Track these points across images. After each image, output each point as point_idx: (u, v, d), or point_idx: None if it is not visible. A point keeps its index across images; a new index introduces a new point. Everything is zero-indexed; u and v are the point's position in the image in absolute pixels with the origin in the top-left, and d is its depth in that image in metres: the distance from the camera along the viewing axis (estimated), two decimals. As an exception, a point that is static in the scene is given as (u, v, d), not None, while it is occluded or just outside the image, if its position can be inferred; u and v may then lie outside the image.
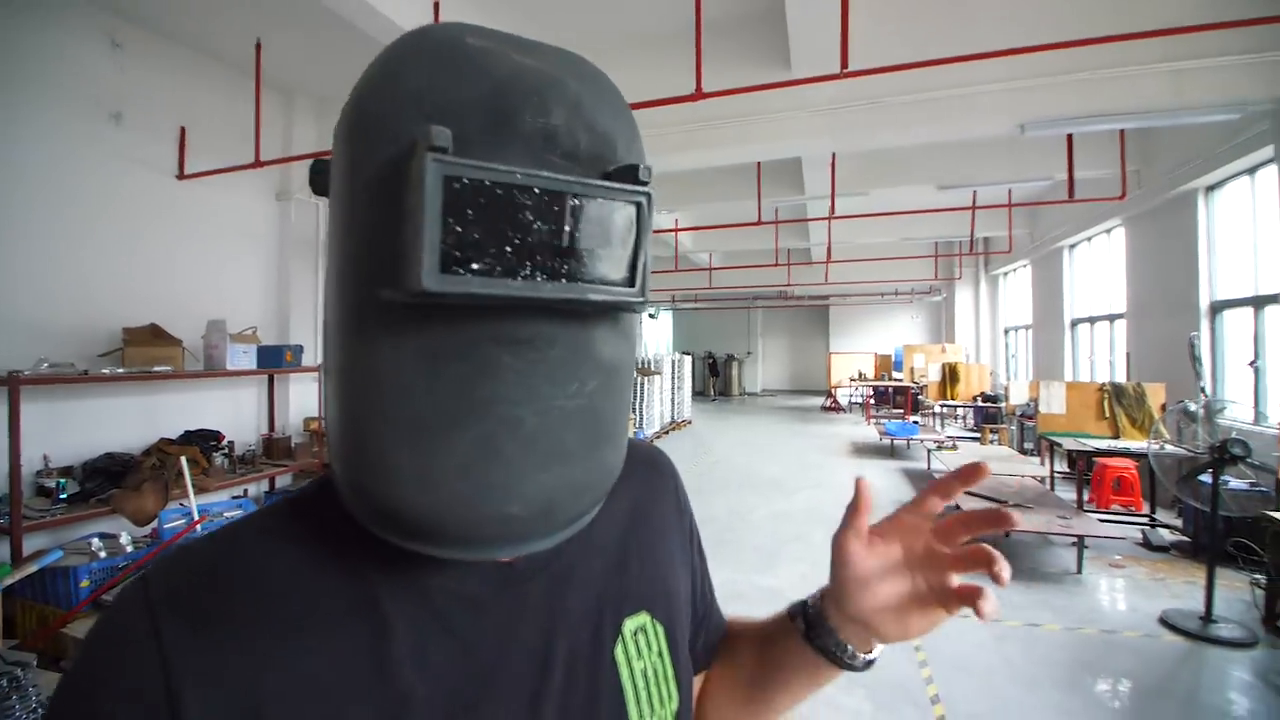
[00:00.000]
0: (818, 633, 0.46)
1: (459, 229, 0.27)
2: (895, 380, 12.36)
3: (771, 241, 8.91)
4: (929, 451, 6.92)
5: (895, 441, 8.47)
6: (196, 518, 2.80)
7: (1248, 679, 2.67)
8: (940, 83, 3.36)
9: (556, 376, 0.32)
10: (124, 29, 3.63)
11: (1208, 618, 3.08)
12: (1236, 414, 4.54)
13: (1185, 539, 4.39)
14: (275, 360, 4.04)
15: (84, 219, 3.43)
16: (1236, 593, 3.49)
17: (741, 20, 3.93)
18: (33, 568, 1.86)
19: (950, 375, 9.39)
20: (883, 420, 9.95)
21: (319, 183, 0.36)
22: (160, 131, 3.85)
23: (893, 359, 13.24)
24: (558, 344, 0.32)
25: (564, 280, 0.30)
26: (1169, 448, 4.06)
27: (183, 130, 3.95)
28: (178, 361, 3.46)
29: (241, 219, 4.45)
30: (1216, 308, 5.31)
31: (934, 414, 10.51)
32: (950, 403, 9.48)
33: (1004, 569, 0.37)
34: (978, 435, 8.54)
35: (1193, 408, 3.77)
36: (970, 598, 0.37)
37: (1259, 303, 4.82)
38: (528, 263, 0.29)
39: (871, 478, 5.34)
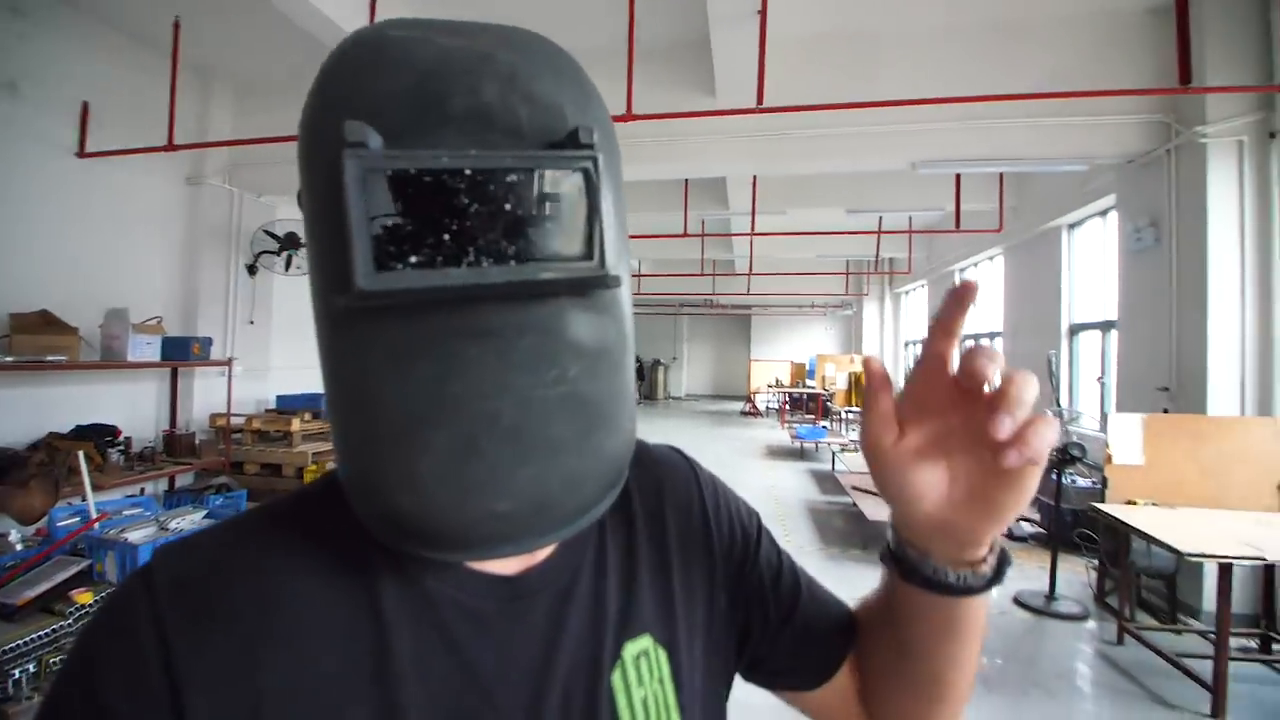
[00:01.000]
0: (910, 567, 0.39)
1: (391, 223, 0.27)
2: (808, 387, 13.10)
3: (698, 252, 9.27)
4: (834, 453, 7.46)
5: (805, 444, 9.02)
6: (95, 515, 2.67)
7: (1080, 645, 3.15)
8: (847, 121, 3.73)
9: (532, 365, 0.31)
10: (23, -7, 3.39)
11: (1050, 596, 3.59)
12: (1085, 423, 5.26)
13: (1041, 530, 5.04)
14: (181, 352, 3.87)
15: (-34, 194, 3.19)
16: (1079, 575, 4.06)
17: (673, 45, 4.17)
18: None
19: (856, 384, 10.10)
20: (795, 425, 10.55)
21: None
22: (60, 105, 3.62)
23: (807, 367, 14.01)
24: (527, 331, 0.30)
25: (513, 263, 0.28)
26: (1030, 451, 4.64)
27: (85, 105, 3.72)
28: (73, 351, 3.27)
29: (148, 203, 4.22)
30: (1074, 329, 6.09)
31: (841, 419, 11.24)
32: (855, 409, 10.19)
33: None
34: (879, 440, 9.23)
35: (1048, 415, 4.35)
36: (1024, 440, 0.30)
37: (1105, 326, 5.59)
38: (470, 249, 0.28)
39: (783, 478, 5.71)
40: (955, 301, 0.33)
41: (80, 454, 2.70)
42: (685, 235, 6.87)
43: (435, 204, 0.27)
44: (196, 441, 4.16)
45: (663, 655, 0.43)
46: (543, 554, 0.41)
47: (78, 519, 2.79)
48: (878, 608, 0.48)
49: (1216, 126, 3.32)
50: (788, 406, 13.08)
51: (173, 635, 0.31)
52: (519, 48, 0.33)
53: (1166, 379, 3.65)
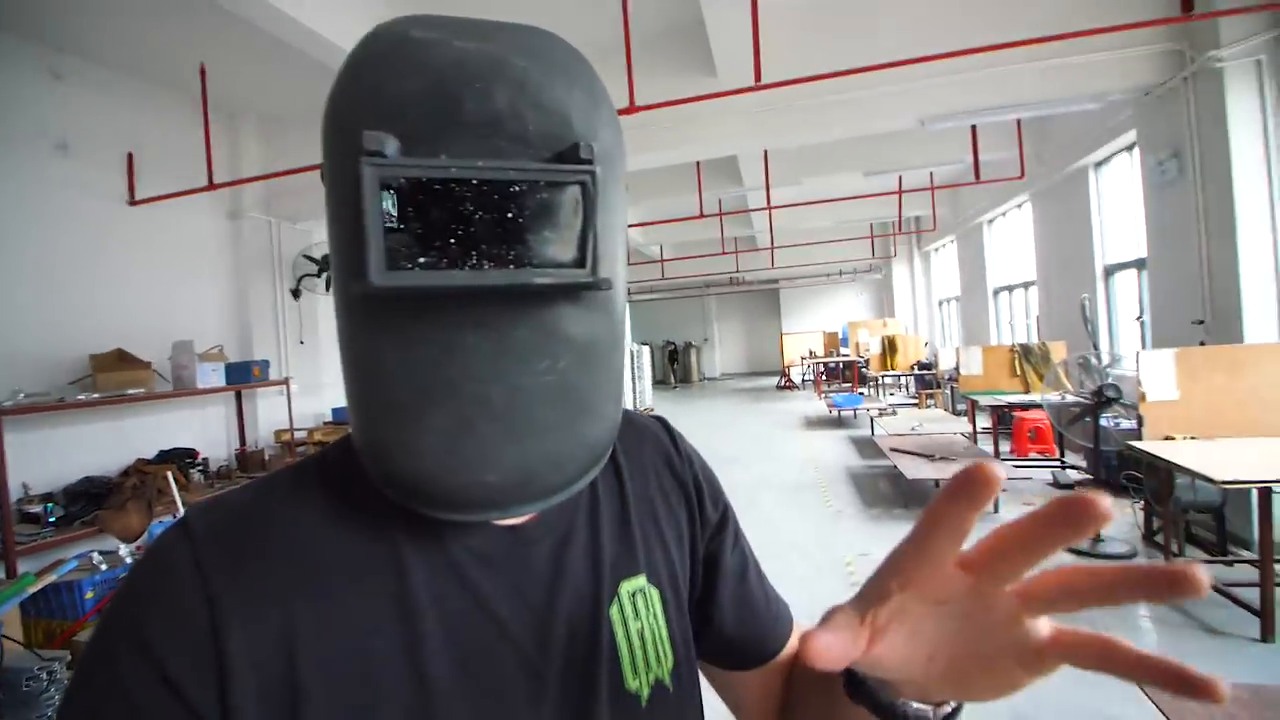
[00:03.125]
0: (864, 691, 0.34)
1: (402, 226, 0.30)
2: (843, 355, 13.00)
3: (718, 231, 9.27)
4: (872, 419, 7.46)
5: (842, 413, 9.02)
6: (187, 528, 2.96)
7: (1125, 585, 3.17)
8: (849, 85, 3.73)
9: (524, 355, 0.34)
10: (63, 60, 3.67)
11: (1097, 538, 3.60)
12: (1127, 365, 5.16)
13: (1088, 477, 4.98)
14: (243, 376, 4.16)
15: (39, 250, 3.50)
16: (1127, 517, 4.04)
17: (670, 29, 4.22)
18: (53, 576, 2.04)
19: (890, 347, 10.01)
20: (831, 395, 10.52)
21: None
22: (107, 159, 3.91)
23: (839, 336, 13.88)
24: (521, 325, 0.34)
25: (511, 266, 0.31)
26: (1069, 397, 4.61)
27: (130, 156, 4.01)
28: (148, 383, 3.57)
29: (196, 240, 4.53)
30: (1109, 270, 5.93)
31: (878, 384, 11.14)
32: (891, 373, 10.11)
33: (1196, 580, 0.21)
34: (916, 401, 9.18)
35: (1086, 360, 4.31)
36: (1095, 650, 0.24)
37: (1141, 265, 5.44)
38: (473, 252, 0.30)
39: (823, 447, 5.78)
40: (966, 496, 0.25)
41: (169, 475, 2.99)
42: (703, 216, 6.92)
43: (443, 209, 0.30)
44: (266, 456, 4.49)
45: (655, 594, 0.47)
46: None
47: (172, 533, 3.09)
48: (818, 678, 0.46)
49: (1231, 49, 3.23)
50: (824, 377, 13.00)
51: (211, 575, 0.34)
52: (533, 53, 0.34)
53: (1201, 312, 3.58)
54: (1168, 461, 2.77)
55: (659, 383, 15.93)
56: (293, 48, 3.35)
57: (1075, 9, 3.54)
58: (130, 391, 3.43)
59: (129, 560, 2.76)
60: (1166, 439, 3.06)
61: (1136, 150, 4.82)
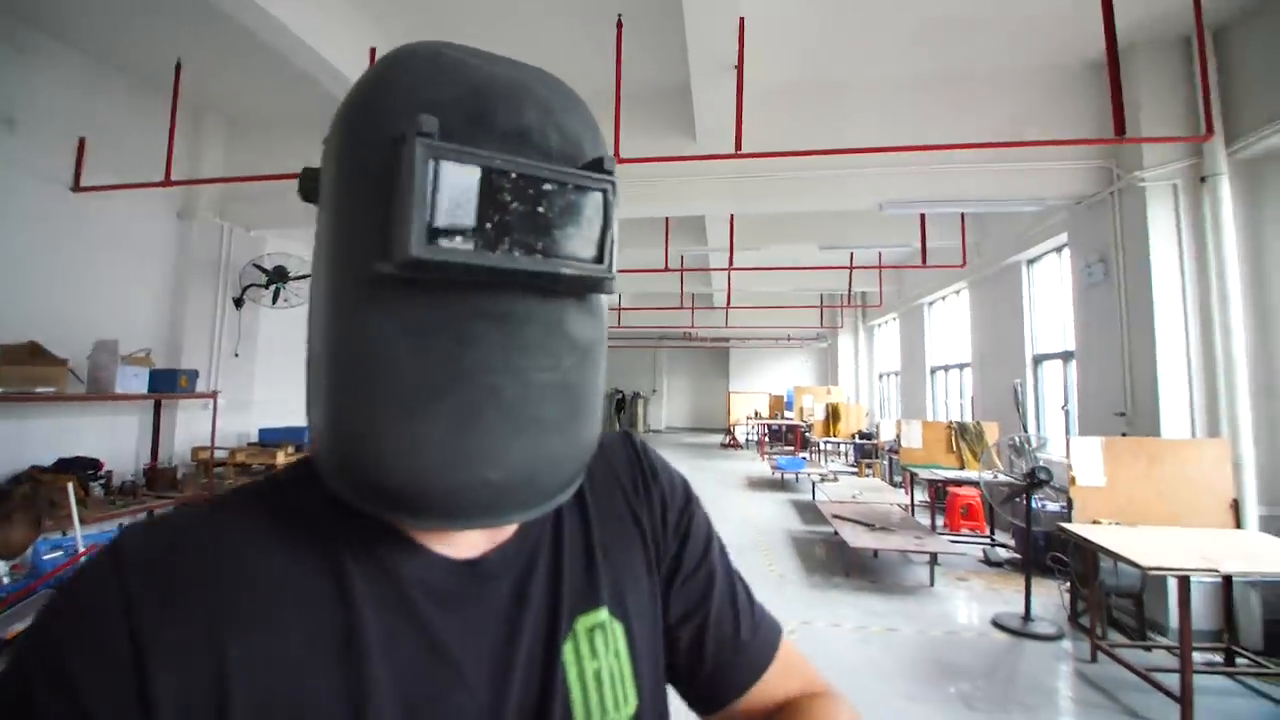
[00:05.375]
0: None
1: (444, 205, 0.31)
2: (787, 419, 13.28)
3: (677, 285, 9.49)
4: (814, 484, 7.58)
5: (785, 475, 9.14)
6: (82, 549, 2.65)
7: (1056, 664, 3.26)
8: (819, 164, 3.98)
9: (533, 350, 0.35)
10: (26, 33, 3.48)
11: (1026, 617, 3.70)
12: (1052, 449, 5.48)
13: (1017, 555, 5.18)
14: (169, 384, 3.86)
15: (-42, 228, 3.21)
16: (1053, 597, 4.19)
17: (655, 91, 4.41)
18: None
19: (833, 415, 10.31)
20: (775, 456, 10.67)
21: (309, 189, 0.38)
22: (57, 141, 3.68)
23: (785, 399, 14.23)
24: (533, 320, 0.35)
25: (539, 256, 0.33)
26: (1001, 476, 4.83)
27: (82, 141, 3.78)
28: (61, 383, 3.26)
29: (139, 236, 4.26)
30: (1038, 359, 6.37)
31: (820, 450, 11.41)
32: (833, 440, 10.39)
33: None
34: (855, 469, 9.42)
35: (1017, 441, 4.56)
36: None
37: (1067, 356, 5.87)
38: (506, 239, 0.32)
39: (764, 509, 5.82)
40: None
41: (69, 486, 2.69)
42: (666, 269, 7.08)
43: (483, 196, 0.31)
44: (179, 475, 4.11)
45: (619, 629, 0.44)
46: (503, 536, 0.42)
47: (61, 553, 2.76)
48: None
49: (1153, 172, 3.64)
50: (767, 438, 13.22)
51: (141, 608, 0.31)
52: (550, 85, 0.38)
53: (1122, 404, 3.88)
54: (1096, 545, 2.91)
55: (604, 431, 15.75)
56: (275, 53, 3.29)
57: (1025, 118, 3.93)
58: (39, 389, 3.11)
59: (5, 581, 2.43)
60: (1094, 522, 3.22)
61: (1067, 251, 5.29)
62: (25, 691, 0.30)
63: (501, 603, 0.40)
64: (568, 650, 0.41)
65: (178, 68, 3.72)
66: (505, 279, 0.33)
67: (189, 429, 4.53)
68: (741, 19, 3.16)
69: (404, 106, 0.33)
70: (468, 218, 0.31)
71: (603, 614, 0.44)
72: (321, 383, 0.35)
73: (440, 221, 0.30)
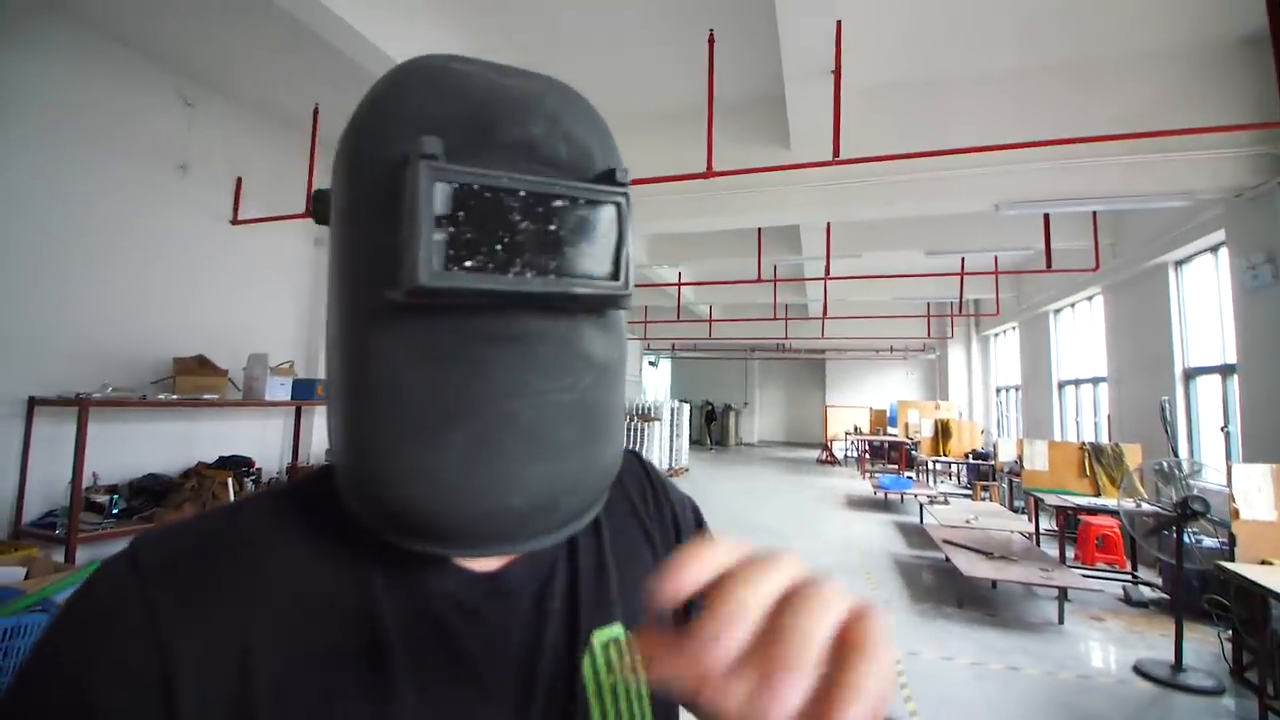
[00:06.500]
0: None
1: (452, 230, 0.29)
2: (890, 435, 12.58)
3: (770, 296, 9.30)
4: (921, 506, 7.11)
5: (889, 495, 8.64)
6: (236, 536, 3.01)
7: (1213, 723, 2.85)
8: (922, 166, 3.77)
9: (550, 371, 0.33)
10: (194, 89, 4.07)
11: (1177, 666, 3.25)
12: (1210, 476, 4.80)
13: (1164, 596, 4.57)
14: (307, 393, 4.32)
15: (145, 256, 3.75)
16: (1209, 646, 3.66)
17: (749, 100, 4.39)
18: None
19: (943, 431, 9.63)
20: (877, 474, 10.12)
21: (321, 211, 0.38)
22: (220, 181, 4.25)
23: (887, 414, 13.49)
24: (548, 340, 0.33)
25: (552, 276, 0.31)
26: (1145, 505, 4.29)
27: (239, 181, 4.35)
28: (223, 390, 3.74)
29: (282, 262, 4.82)
30: (1190, 374, 5.62)
31: (927, 470, 10.70)
32: (943, 459, 9.70)
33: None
34: (969, 492, 8.73)
35: (1165, 467, 4.03)
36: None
37: (1227, 370, 5.14)
38: (517, 260, 0.31)
39: (866, 530, 5.53)
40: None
41: (227, 481, 3.08)
42: (759, 280, 6.97)
43: (491, 217, 0.30)
44: (312, 474, 4.58)
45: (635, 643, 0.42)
46: None
47: (220, 539, 3.15)
48: None
49: (1335, 157, 3.13)
50: (868, 455, 12.59)
51: (163, 618, 0.31)
52: (560, 94, 0.36)
53: (1301, 427, 3.34)
54: (1264, 588, 2.52)
55: (694, 443, 15.72)
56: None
57: (1164, 105, 3.52)
58: (206, 396, 3.59)
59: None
60: (1263, 563, 2.79)
61: (1224, 251, 4.65)
62: (43, 704, 0.29)
63: (523, 616, 0.39)
64: (586, 664, 0.40)
65: (315, 111, 4.18)
66: (522, 300, 0.32)
67: (324, 433, 5.03)
68: (839, 22, 3.09)
69: (407, 126, 0.32)
70: (476, 241, 0.30)
71: (618, 628, 0.43)
72: (338, 411, 0.35)
73: (449, 247, 0.29)
